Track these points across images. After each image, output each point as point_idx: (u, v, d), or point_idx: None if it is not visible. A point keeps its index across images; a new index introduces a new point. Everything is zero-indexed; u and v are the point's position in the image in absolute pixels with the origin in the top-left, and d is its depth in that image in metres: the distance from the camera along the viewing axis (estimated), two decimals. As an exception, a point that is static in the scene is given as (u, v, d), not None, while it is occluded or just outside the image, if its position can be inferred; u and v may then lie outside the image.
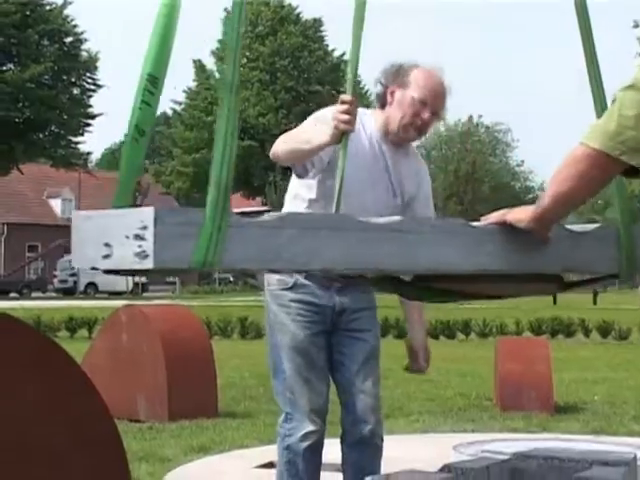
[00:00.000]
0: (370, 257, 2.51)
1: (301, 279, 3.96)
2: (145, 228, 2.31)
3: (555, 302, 36.44)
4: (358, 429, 4.06)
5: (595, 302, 36.35)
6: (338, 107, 2.97)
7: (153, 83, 2.59)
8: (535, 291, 3.13)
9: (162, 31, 2.59)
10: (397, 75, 3.87)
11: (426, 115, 3.85)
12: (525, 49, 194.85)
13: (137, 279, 50.41)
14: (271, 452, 6.15)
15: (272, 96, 50.05)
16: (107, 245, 2.41)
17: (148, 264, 2.30)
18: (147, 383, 7.90)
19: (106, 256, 2.41)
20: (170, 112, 58.52)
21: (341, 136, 2.98)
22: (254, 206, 57.24)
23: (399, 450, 6.20)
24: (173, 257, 2.33)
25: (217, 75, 52.44)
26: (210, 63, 53.66)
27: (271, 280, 4.01)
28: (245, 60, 51.99)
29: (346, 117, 2.96)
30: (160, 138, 56.28)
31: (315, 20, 55.07)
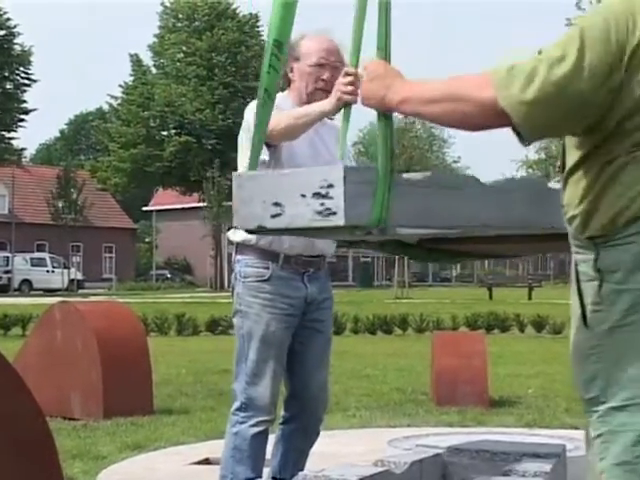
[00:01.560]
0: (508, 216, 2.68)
1: (277, 271, 4.04)
2: (331, 186, 2.38)
3: (491, 297, 36.83)
4: (307, 417, 4.21)
5: (530, 297, 36.76)
6: (341, 79, 3.21)
7: (279, 48, 2.78)
8: (546, 248, 3.12)
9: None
10: (291, 52, 3.99)
11: (326, 75, 4.05)
12: (467, 46, 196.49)
13: (72, 276, 49.93)
14: (207, 448, 6.15)
15: (209, 92, 49.78)
16: (277, 204, 2.48)
17: (338, 221, 2.39)
18: (82, 380, 7.83)
19: (275, 215, 2.49)
20: (106, 107, 58.05)
21: (342, 106, 3.22)
22: (191, 202, 57.01)
23: (335, 445, 6.22)
24: (357, 214, 2.41)
25: (154, 70, 52.08)
26: (147, 58, 53.27)
27: (247, 272, 4.07)
28: (182, 55, 51.70)
29: (350, 88, 3.21)
30: (96, 133, 55.78)
31: (252, 15, 54.95)
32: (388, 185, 2.46)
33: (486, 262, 75.75)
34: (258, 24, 54.73)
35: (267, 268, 4.04)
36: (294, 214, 2.46)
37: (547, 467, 3.11)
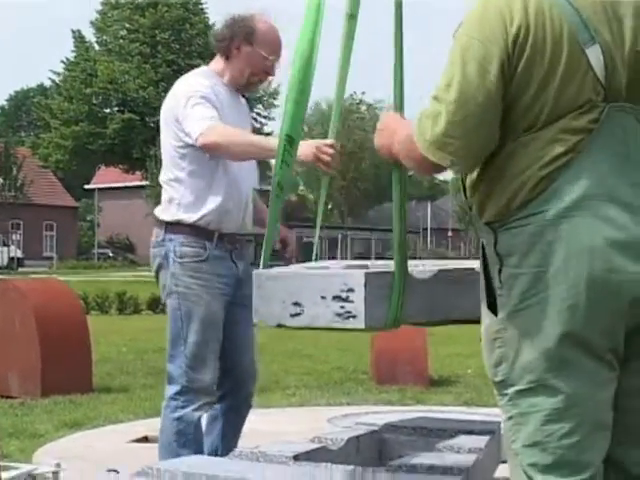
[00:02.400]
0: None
1: (213, 251, 4.01)
2: (351, 290, 2.53)
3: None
4: (240, 392, 4.20)
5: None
6: (324, 148, 3.40)
7: (290, 143, 2.94)
8: None
9: (298, 96, 2.94)
10: (242, 29, 4.02)
11: (273, 71, 4.10)
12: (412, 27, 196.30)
13: (12, 254, 49.31)
14: (145, 426, 6.12)
15: (153, 69, 49.33)
16: (296, 304, 2.62)
17: (358, 324, 2.53)
18: (20, 358, 7.75)
19: (295, 314, 2.62)
20: (48, 83, 57.27)
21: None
22: (134, 180, 56.54)
23: (274, 423, 6.23)
24: (376, 318, 2.58)
25: (96, 47, 51.45)
26: (89, 34, 52.60)
27: (183, 252, 4.00)
28: (125, 32, 51.10)
29: (328, 159, 3.40)
30: (37, 109, 54.98)
31: (196, -8, 54.48)
32: (403, 287, 2.62)
33: (428, 243, 76.28)
34: (202, 1, 54.30)
35: (204, 248, 3.99)
36: (314, 315, 2.59)
37: (481, 443, 3.14)
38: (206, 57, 54.03)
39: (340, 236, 47.63)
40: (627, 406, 2.35)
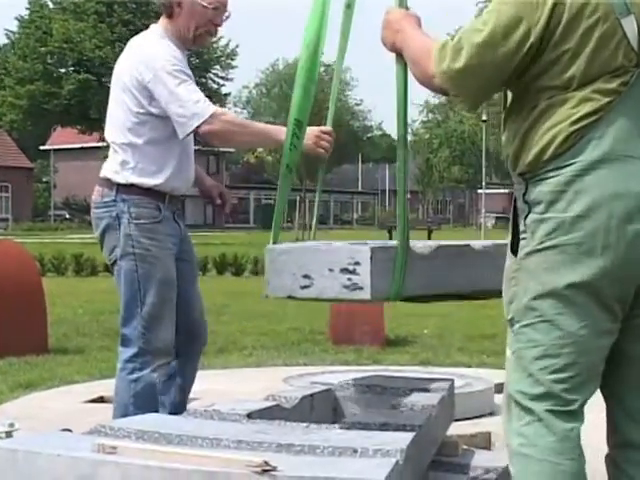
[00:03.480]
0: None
1: (165, 212, 4.03)
2: (358, 264, 2.69)
3: (391, 239, 37.13)
4: (195, 347, 4.28)
5: (429, 239, 37.22)
6: (320, 134, 3.61)
7: (299, 127, 3.14)
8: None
9: (306, 83, 3.16)
10: None
11: (219, 20, 4.07)
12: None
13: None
14: (101, 387, 6.10)
15: (109, 29, 48.75)
16: (306, 277, 2.78)
17: (364, 295, 2.70)
18: (-26, 320, 7.68)
19: (305, 286, 2.78)
20: (2, 41, 56.47)
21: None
22: (90, 141, 56.00)
23: (231, 383, 6.24)
24: (381, 290, 2.73)
25: (51, 5, 50.66)
26: (44, -8, 51.80)
27: (139, 213, 3.99)
28: (81, -10, 50.31)
29: (326, 145, 3.61)
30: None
31: (154, -49, 53.81)
32: (405, 261, 2.79)
33: (386, 205, 76.44)
34: (159, -40, 53.63)
35: (159, 209, 4.01)
36: (322, 287, 2.76)
37: (435, 400, 3.16)
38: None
39: (298, 198, 47.55)
40: (631, 352, 2.58)
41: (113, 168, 4.05)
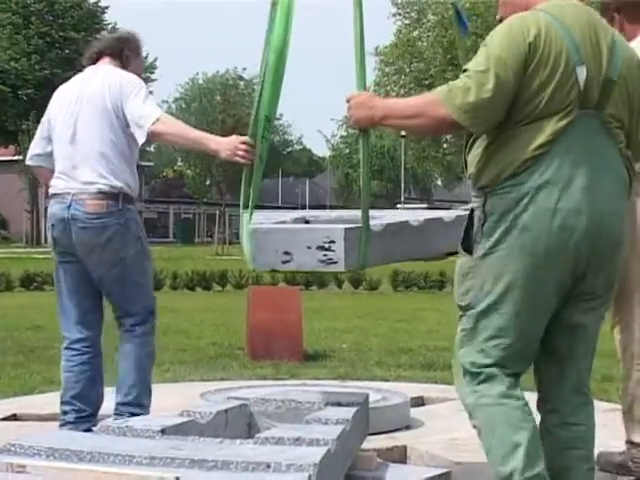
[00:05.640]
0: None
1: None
2: (333, 242, 3.14)
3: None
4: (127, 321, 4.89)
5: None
6: (239, 144, 3.94)
7: (268, 121, 3.54)
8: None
9: (274, 82, 3.50)
10: (135, 43, 4.99)
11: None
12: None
13: None
14: (15, 405, 6.00)
15: (25, 41, 48.11)
16: (287, 253, 3.19)
17: (339, 268, 3.17)
18: None
19: (285, 261, 3.19)
20: None
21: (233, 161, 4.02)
22: (7, 155, 55.09)
23: (147, 399, 6.17)
24: (351, 263, 3.19)
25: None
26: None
27: (139, 219, 4.84)
28: (-4, 1, 49.59)
29: (243, 153, 3.87)
30: None
31: (70, -36, 53.24)
32: (367, 238, 3.26)
33: (307, 220, 76.28)
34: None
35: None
36: (301, 261, 3.17)
37: (349, 415, 3.18)
38: (80, 29, 53.01)
39: (218, 212, 47.38)
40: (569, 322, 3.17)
41: (110, 180, 4.67)
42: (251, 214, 3.50)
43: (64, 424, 4.76)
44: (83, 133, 4.69)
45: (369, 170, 3.46)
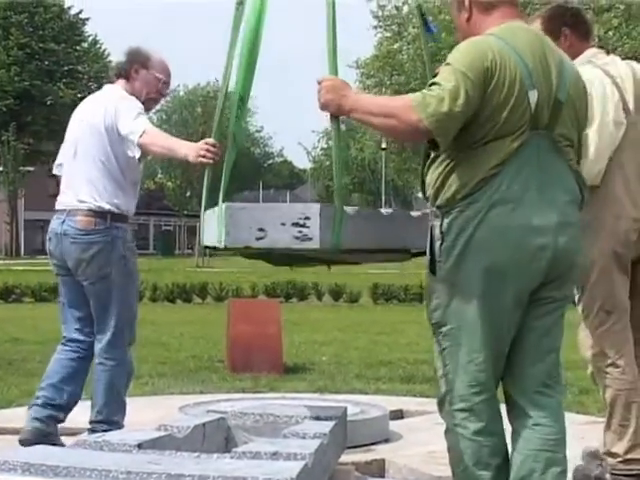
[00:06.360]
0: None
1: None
2: (308, 218, 3.13)
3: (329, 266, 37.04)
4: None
5: (329, 267, 37.37)
6: (204, 145, 4.11)
7: (242, 101, 3.55)
8: (385, 259, 4.22)
9: (247, 63, 3.52)
10: (139, 56, 5.02)
11: (165, 91, 5.14)
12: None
13: None
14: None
15: (5, 52, 47.98)
16: (261, 230, 3.17)
17: (313, 245, 3.15)
18: None
19: (260, 238, 3.18)
20: None
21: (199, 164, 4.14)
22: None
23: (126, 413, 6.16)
24: (326, 240, 3.17)
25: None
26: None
27: (129, 238, 4.95)
28: (-24, 13, 49.54)
29: (210, 155, 4.03)
30: None
31: (50, -25, 53.20)
32: (341, 218, 3.26)
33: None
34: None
35: (130, 234, 5.01)
36: (275, 238, 3.16)
37: (326, 429, 3.18)
38: (60, 41, 52.99)
39: (198, 224, 47.27)
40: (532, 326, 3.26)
41: (98, 201, 4.83)
42: (224, 193, 3.49)
43: (31, 406, 4.95)
44: (80, 153, 4.92)
45: (341, 154, 3.44)
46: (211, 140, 4.06)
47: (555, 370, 3.32)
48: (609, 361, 4.22)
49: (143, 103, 4.93)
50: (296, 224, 3.12)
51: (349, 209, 3.42)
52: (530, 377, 3.27)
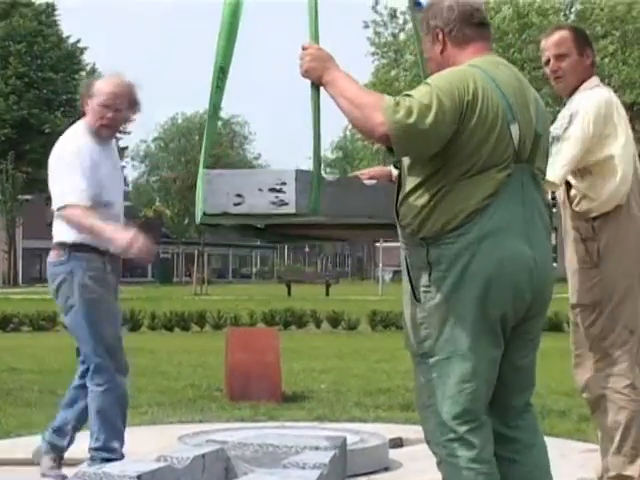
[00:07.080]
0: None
1: (108, 266, 4.98)
2: (284, 184, 3.15)
3: (290, 294, 37.21)
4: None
5: (327, 293, 37.41)
6: (131, 236, 4.47)
7: (223, 72, 3.47)
8: (373, 236, 3.95)
9: (228, 33, 3.46)
10: (88, 89, 5.05)
11: (109, 115, 4.94)
12: (259, 45, 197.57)
13: None
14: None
15: (3, 81, 48.15)
16: (238, 196, 3.20)
17: (290, 209, 3.15)
18: None
19: (237, 204, 3.21)
20: None
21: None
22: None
23: (125, 442, 6.14)
24: (303, 205, 3.18)
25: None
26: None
27: (93, 267, 4.90)
28: (-25, 43, 49.77)
29: (135, 251, 4.46)
30: None
31: (48, 5, 53.47)
32: (318, 183, 3.24)
33: (285, 259, 76.49)
34: (55, 14, 53.33)
35: (104, 264, 4.93)
36: (253, 204, 3.18)
37: (326, 459, 3.18)
38: (59, 70, 53.19)
39: (197, 252, 47.29)
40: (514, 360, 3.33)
41: (63, 232, 4.89)
42: (204, 163, 3.46)
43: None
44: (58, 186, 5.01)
45: (319, 122, 3.36)
46: (145, 239, 4.37)
47: (533, 388, 3.46)
48: (627, 382, 4.19)
49: (98, 132, 4.96)
50: (273, 189, 3.16)
51: (328, 176, 3.46)
52: (512, 409, 3.37)
